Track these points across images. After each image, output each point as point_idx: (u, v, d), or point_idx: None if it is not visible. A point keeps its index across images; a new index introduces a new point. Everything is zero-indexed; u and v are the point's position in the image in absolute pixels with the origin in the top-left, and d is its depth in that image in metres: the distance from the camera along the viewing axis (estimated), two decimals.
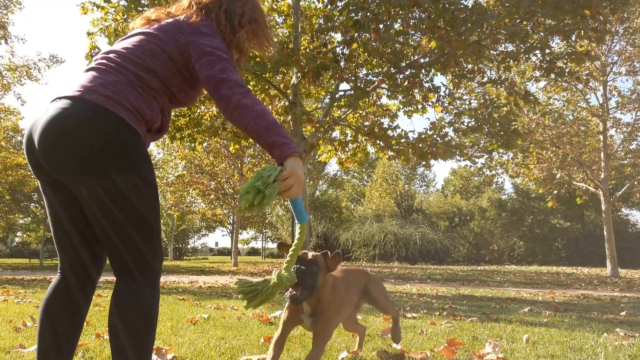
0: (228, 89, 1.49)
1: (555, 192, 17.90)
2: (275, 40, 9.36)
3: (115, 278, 1.54)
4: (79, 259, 1.58)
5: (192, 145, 10.10)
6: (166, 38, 1.61)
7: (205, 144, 17.58)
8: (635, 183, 16.98)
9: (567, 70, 8.56)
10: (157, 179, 20.29)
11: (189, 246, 46.61)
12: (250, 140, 10.48)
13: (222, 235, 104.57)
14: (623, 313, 5.16)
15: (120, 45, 1.64)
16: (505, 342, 3.19)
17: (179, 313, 4.44)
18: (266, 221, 31.61)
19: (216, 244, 65.47)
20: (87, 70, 1.57)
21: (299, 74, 8.36)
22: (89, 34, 8.43)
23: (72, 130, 1.41)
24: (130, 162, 1.45)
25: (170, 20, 1.69)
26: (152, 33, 1.63)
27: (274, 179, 1.44)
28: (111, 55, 1.58)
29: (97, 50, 8.41)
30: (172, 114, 8.91)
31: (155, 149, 24.34)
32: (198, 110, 9.76)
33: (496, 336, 3.42)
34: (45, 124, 1.43)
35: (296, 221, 1.69)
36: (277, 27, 10.50)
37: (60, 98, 1.48)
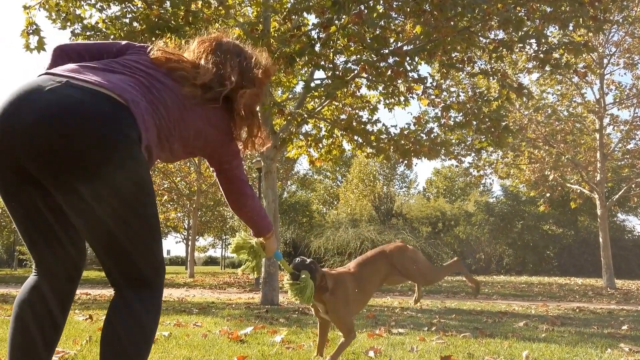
0: (250, 188, 2.05)
1: (548, 195, 18.30)
2: (242, 20, 9.31)
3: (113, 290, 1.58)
4: (51, 262, 1.63)
5: None
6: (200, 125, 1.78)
7: None
8: (633, 186, 17.51)
9: (563, 62, 8.80)
10: None
11: None
12: None
13: (176, 242, 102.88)
14: (624, 327, 5.36)
15: (147, 76, 1.64)
16: (504, 359, 3.28)
17: None
18: (227, 226, 31.28)
19: (168, 252, 64.55)
20: (99, 69, 1.58)
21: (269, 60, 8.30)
22: (25, 7, 8.18)
23: (85, 129, 1.38)
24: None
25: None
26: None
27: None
28: (137, 75, 1.62)
29: (34, 27, 8.14)
30: None
31: None
32: None
33: (493, 353, 3.50)
34: (57, 111, 1.38)
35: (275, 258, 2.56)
36: (243, 5, 10.43)
37: (69, 80, 1.46)
